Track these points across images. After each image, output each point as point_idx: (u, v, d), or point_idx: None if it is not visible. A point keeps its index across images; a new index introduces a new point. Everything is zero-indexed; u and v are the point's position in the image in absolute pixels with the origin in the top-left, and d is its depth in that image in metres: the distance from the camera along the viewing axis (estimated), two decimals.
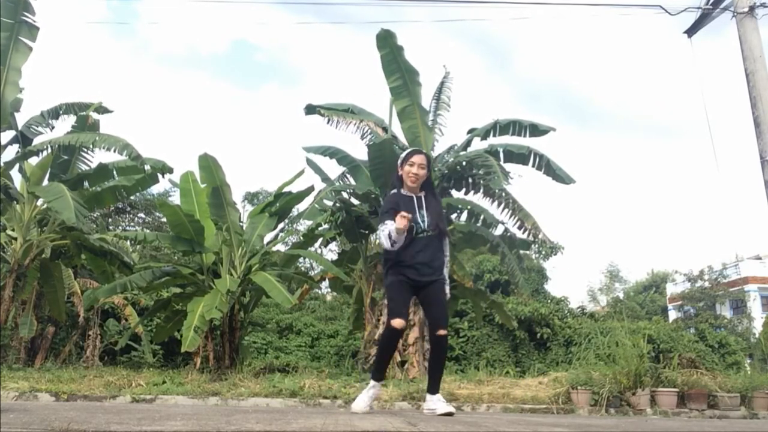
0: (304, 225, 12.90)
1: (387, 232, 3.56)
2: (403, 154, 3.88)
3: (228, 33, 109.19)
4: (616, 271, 40.54)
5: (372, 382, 3.70)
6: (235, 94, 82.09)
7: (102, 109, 9.23)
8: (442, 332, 3.59)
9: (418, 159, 3.80)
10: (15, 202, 8.48)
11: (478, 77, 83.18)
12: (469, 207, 9.24)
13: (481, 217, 9.12)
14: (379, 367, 3.77)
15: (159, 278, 8.67)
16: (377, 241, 3.88)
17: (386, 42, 8.47)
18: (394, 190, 3.89)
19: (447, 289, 3.79)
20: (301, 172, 9.97)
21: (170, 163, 8.63)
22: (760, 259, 31.02)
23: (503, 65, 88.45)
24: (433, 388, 3.69)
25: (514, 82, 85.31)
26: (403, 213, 3.48)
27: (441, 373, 3.80)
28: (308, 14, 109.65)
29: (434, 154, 9.69)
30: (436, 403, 3.61)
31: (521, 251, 10.22)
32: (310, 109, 9.12)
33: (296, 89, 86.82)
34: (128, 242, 9.97)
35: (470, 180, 9.24)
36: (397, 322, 3.52)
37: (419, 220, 3.70)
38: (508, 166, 8.98)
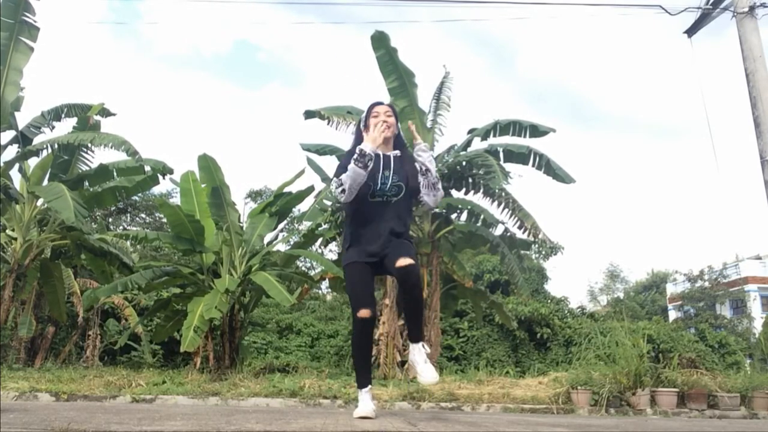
0: (304, 225, 12.91)
1: (340, 179, 3.03)
2: (363, 114, 3.32)
3: (230, 33, 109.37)
4: (616, 271, 40.57)
5: (363, 391, 3.16)
6: (237, 93, 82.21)
7: (105, 112, 9.23)
8: (401, 262, 2.92)
9: (381, 109, 3.24)
10: (15, 202, 8.48)
11: (480, 77, 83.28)
12: (469, 207, 9.25)
13: (481, 217, 9.13)
14: (361, 369, 3.22)
15: (159, 278, 8.67)
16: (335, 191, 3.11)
17: (381, 43, 8.49)
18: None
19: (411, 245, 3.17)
20: (302, 172, 9.98)
21: (173, 163, 8.68)
22: (760, 259, 31.02)
23: (505, 65, 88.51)
24: (412, 335, 3.20)
25: (516, 82, 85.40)
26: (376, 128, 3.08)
27: (419, 317, 3.19)
28: (310, 14, 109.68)
29: (434, 154, 9.70)
30: (418, 362, 3.13)
31: (521, 251, 10.23)
32: (310, 114, 9.15)
33: (298, 89, 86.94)
34: (128, 242, 9.97)
35: (470, 180, 9.25)
36: (363, 312, 3.03)
37: (379, 180, 3.11)
38: (508, 166, 9.00)
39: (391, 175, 3.14)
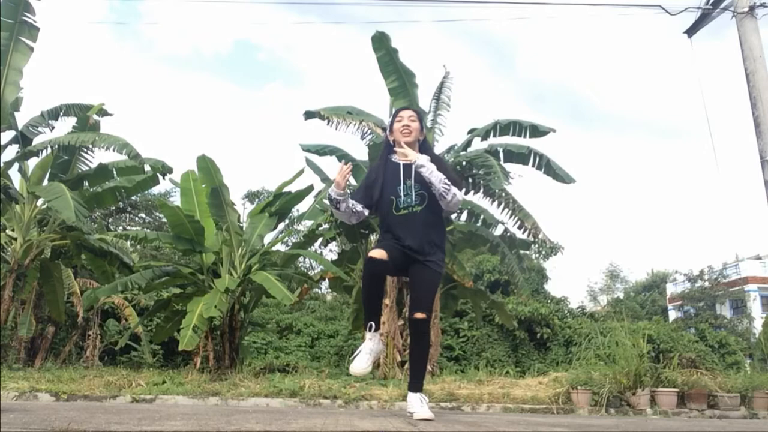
0: (304, 225, 12.91)
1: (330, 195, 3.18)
2: (391, 117, 3.37)
3: (230, 33, 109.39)
4: (616, 271, 40.56)
5: (368, 334, 3.20)
6: (237, 93, 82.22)
7: (102, 112, 9.23)
8: (417, 315, 3.09)
9: (406, 113, 3.29)
10: (15, 202, 8.48)
11: (480, 77, 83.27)
12: (469, 207, 9.25)
13: (481, 217, 9.12)
14: (368, 310, 3.21)
15: (159, 278, 8.68)
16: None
17: (381, 44, 8.49)
18: (379, 161, 3.39)
19: (439, 268, 3.20)
20: (301, 172, 9.98)
21: (174, 164, 8.67)
22: (760, 259, 31.01)
23: (505, 65, 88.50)
24: (412, 385, 3.22)
25: (516, 82, 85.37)
26: (345, 165, 3.15)
27: (421, 367, 3.28)
28: (310, 14, 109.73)
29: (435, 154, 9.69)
30: (414, 405, 3.14)
31: (521, 251, 10.22)
32: (310, 114, 9.15)
33: (298, 89, 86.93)
34: (128, 242, 9.97)
35: (470, 180, 9.23)
36: (376, 252, 3.02)
37: (401, 193, 3.13)
38: (508, 166, 8.98)
39: (413, 184, 3.13)
